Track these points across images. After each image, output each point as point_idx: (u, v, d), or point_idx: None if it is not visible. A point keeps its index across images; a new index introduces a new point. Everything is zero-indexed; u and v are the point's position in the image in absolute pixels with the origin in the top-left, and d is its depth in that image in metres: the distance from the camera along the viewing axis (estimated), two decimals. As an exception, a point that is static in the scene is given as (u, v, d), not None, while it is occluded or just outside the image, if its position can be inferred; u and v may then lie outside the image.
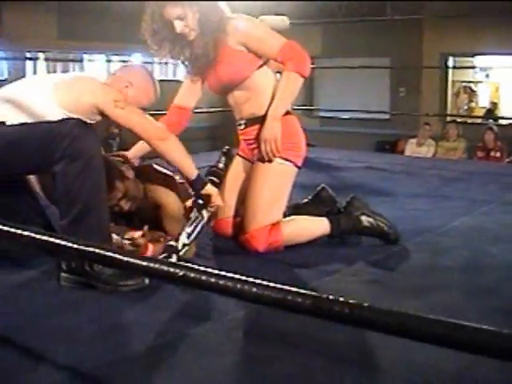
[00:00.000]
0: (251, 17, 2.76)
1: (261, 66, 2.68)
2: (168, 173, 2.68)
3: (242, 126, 2.77)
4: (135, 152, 2.75)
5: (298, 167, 2.73)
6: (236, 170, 2.89)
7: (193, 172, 2.42)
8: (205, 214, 2.46)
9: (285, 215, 2.78)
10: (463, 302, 2.17)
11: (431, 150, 8.64)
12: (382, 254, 2.70)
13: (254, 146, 2.74)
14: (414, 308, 1.04)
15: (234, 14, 2.70)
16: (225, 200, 2.71)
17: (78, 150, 2.12)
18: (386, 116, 10.38)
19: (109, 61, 10.10)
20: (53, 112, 2.22)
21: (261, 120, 2.68)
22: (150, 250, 2.41)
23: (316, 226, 2.73)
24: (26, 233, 1.26)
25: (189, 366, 1.68)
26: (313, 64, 10.17)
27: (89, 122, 2.25)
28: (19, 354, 1.75)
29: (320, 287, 2.29)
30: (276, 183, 2.67)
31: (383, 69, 10.36)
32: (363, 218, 2.74)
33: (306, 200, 3.00)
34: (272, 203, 2.65)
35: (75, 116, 2.21)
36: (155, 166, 2.71)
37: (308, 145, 2.87)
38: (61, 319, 1.97)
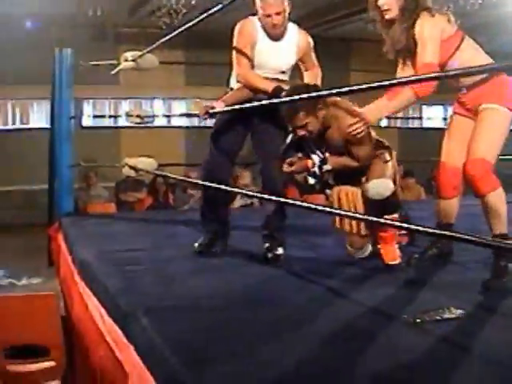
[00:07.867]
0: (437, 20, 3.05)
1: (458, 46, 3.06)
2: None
3: (464, 91, 3.20)
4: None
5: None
6: (457, 123, 3.28)
7: (267, 87, 3.36)
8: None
9: None
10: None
11: None
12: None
13: (469, 106, 3.19)
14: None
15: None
16: (451, 148, 3.23)
17: None
18: None
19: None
20: None
21: (478, 84, 3.06)
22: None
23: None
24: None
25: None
26: None
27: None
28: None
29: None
30: (493, 126, 3.01)
31: None
32: None
33: None
34: (490, 142, 2.99)
35: None
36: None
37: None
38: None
